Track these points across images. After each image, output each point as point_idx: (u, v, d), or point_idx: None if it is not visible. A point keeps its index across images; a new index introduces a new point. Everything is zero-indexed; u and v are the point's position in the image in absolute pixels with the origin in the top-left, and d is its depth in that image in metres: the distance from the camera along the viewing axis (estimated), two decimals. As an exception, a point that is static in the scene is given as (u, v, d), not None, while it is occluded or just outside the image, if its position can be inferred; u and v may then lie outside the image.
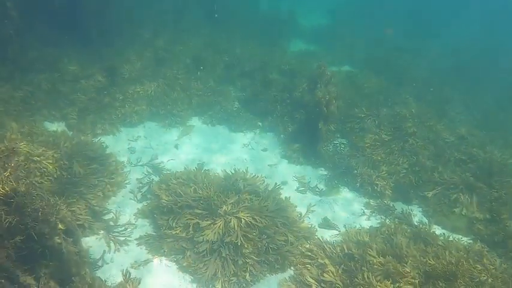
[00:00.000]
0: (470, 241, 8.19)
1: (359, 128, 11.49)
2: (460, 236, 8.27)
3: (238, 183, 8.27)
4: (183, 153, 9.83)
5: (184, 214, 7.39)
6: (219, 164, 9.69)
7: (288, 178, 9.70)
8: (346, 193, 9.51)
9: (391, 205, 9.05)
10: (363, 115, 11.70)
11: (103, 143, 9.17)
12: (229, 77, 13.14)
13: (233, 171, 8.86)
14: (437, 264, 6.56)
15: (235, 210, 7.44)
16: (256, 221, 7.41)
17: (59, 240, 5.25)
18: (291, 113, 11.55)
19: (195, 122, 11.17)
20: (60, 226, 5.24)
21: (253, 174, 8.97)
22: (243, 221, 7.33)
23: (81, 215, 7.05)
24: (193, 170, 8.78)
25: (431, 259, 6.76)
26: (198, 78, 12.22)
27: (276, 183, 8.73)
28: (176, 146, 10.01)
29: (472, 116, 13.59)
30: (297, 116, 11.36)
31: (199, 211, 7.40)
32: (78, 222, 6.84)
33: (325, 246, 7.52)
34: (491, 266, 6.78)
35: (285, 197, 8.52)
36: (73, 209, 6.94)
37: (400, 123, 11.33)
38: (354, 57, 17.50)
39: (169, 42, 13.16)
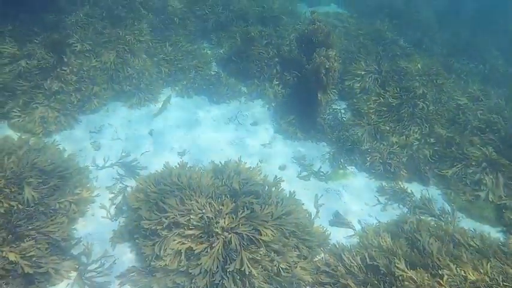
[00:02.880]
0: (502, 234, 7.35)
1: (360, 87, 10.08)
2: (489, 228, 7.39)
3: (232, 181, 6.92)
4: (160, 141, 8.26)
5: (172, 237, 6.06)
6: (204, 150, 8.22)
7: (286, 160, 8.40)
8: (355, 175, 8.36)
9: (409, 190, 7.99)
10: (362, 72, 10.22)
11: (59, 144, 7.46)
12: (202, 31, 11.21)
13: (223, 163, 7.48)
14: (480, 282, 5.60)
15: (234, 225, 6.16)
16: (261, 235, 6.19)
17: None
18: (281, 74, 9.94)
19: (168, 95, 9.42)
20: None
21: (248, 165, 7.65)
22: (245, 237, 6.09)
23: (44, 257, 5.61)
24: (175, 167, 7.29)
25: (470, 273, 5.79)
26: (165, 38, 10.23)
27: (275, 176, 7.43)
28: (151, 132, 8.39)
29: (478, 69, 12.29)
30: (289, 78, 9.78)
31: (191, 231, 6.08)
32: (40, 271, 5.46)
33: (343, 255, 6.46)
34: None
35: (289, 192, 7.28)
36: (31, 253, 5.49)
37: (406, 82, 9.97)
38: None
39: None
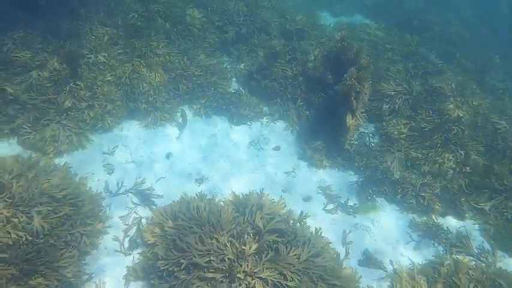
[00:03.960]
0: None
1: (389, 109, 9.69)
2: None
3: (255, 217, 6.59)
4: (176, 165, 7.95)
5: (191, 280, 5.74)
6: (224, 177, 7.89)
7: (311, 190, 8.05)
8: (384, 208, 8.00)
9: (444, 226, 7.60)
10: (392, 92, 9.82)
11: (70, 167, 7.16)
12: (221, 44, 10.86)
13: (244, 195, 7.16)
14: None
15: (258, 269, 5.83)
16: (287, 279, 5.85)
17: None
18: (306, 95, 9.55)
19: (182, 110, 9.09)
20: None
21: (270, 196, 7.36)
22: (270, 282, 5.76)
23: (52, 297, 5.33)
24: (194, 198, 6.98)
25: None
26: (183, 50, 9.90)
27: (301, 212, 7.06)
28: (167, 156, 8.07)
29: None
30: (314, 99, 9.39)
31: (211, 274, 5.75)
32: (48, 315, 5.18)
33: (375, 304, 6.10)
34: None
35: (316, 229, 6.90)
36: (39, 293, 5.21)
37: (439, 103, 9.55)
38: (365, 1, 15.03)
39: (144, 2, 10.43)
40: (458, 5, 15.83)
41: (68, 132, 7.72)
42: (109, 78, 8.58)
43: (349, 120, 8.22)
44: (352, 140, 8.83)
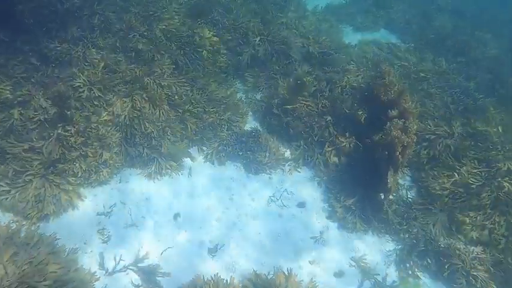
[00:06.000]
0: None
1: (427, 157, 8.71)
2: None
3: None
4: (186, 229, 6.93)
5: None
6: (241, 245, 6.91)
7: (343, 262, 7.13)
8: (429, 287, 7.02)
9: (503, 317, 6.69)
10: (431, 136, 8.84)
11: (58, 238, 6.10)
12: (234, 68, 9.83)
13: (269, 277, 6.22)
14: None
15: None
16: None
17: None
18: (335, 138, 8.48)
19: (194, 159, 8.05)
20: None
21: (296, 269, 6.42)
22: None
23: None
24: (209, 282, 5.97)
25: None
26: (191, 79, 8.81)
27: (338, 300, 6.11)
28: (175, 217, 7.05)
29: None
30: (345, 144, 8.36)
31: None
32: None
33: None
34: None
35: (354, 324, 5.97)
36: None
37: (486, 152, 8.60)
38: (391, 15, 13.96)
39: (146, 18, 9.25)
40: (495, 23, 14.83)
41: (55, 190, 6.64)
42: (105, 118, 7.50)
43: (392, 177, 7.23)
44: (390, 198, 7.85)
